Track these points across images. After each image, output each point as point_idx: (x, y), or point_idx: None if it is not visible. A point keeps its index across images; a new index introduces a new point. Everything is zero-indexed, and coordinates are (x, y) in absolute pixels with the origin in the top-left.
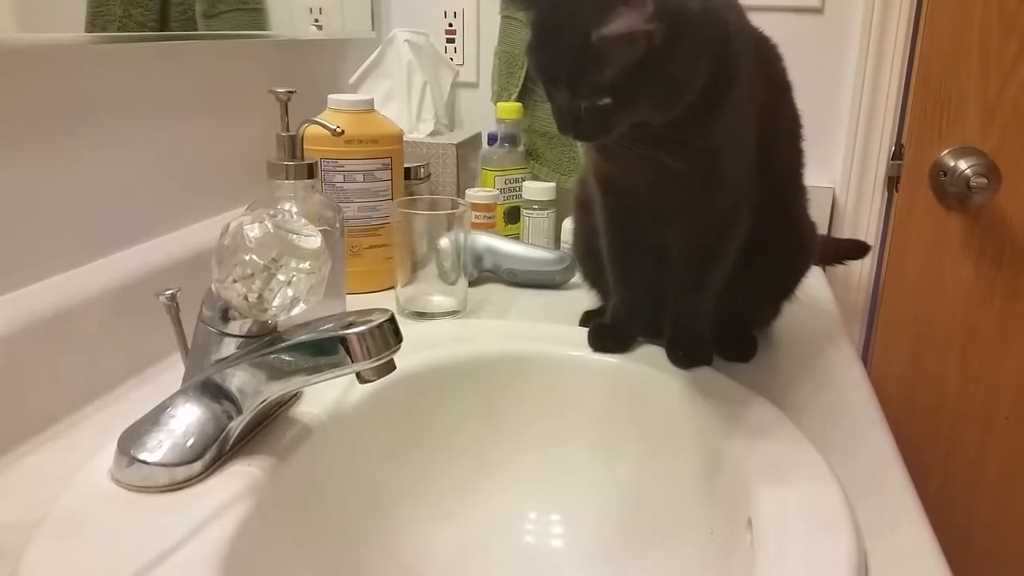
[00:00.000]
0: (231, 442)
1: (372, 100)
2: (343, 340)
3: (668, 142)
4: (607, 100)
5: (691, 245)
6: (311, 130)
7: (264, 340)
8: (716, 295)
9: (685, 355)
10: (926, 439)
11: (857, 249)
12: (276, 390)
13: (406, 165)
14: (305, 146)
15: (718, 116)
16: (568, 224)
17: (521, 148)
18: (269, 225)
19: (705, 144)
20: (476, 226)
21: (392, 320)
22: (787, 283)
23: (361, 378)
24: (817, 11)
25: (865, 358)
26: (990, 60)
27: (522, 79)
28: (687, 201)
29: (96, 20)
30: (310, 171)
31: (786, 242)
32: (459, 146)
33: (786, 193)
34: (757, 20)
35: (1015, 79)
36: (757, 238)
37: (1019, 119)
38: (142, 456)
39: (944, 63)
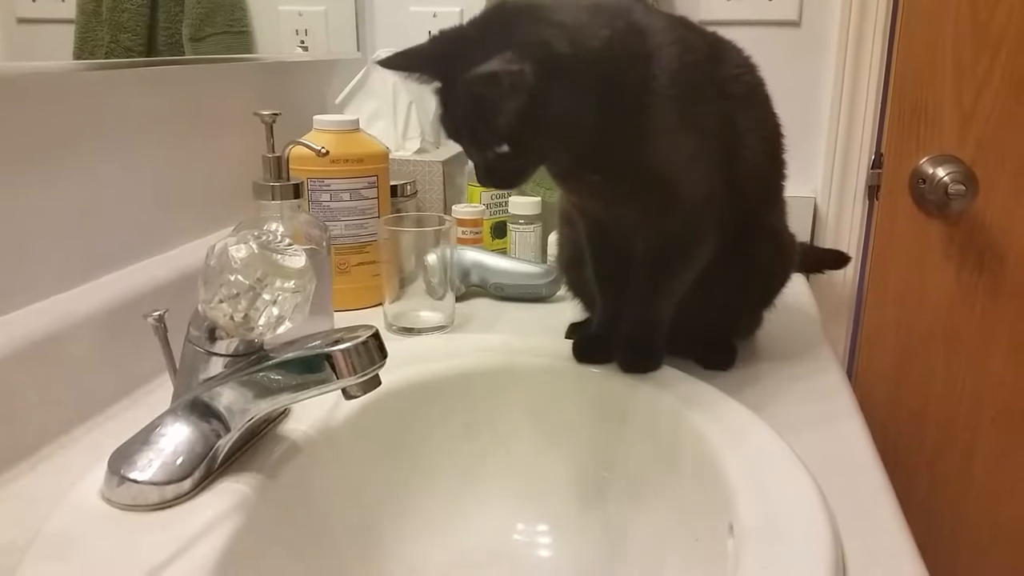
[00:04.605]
0: (220, 460)
1: (357, 120)
2: (328, 357)
3: (609, 167)
4: (504, 148)
5: (649, 260)
6: (297, 150)
7: (251, 359)
8: (672, 307)
9: (633, 361)
10: (913, 443)
11: (837, 259)
12: (264, 407)
13: (393, 183)
14: (291, 166)
15: (648, 136)
16: (554, 237)
17: None
18: (254, 246)
19: (648, 166)
20: (463, 241)
21: (376, 336)
22: (766, 294)
23: (347, 394)
24: (794, 24)
25: (850, 365)
26: (964, 70)
27: None
28: (642, 223)
29: (84, 45)
30: (296, 191)
31: (765, 254)
32: (445, 163)
33: (763, 205)
34: (735, 34)
35: (988, 88)
36: (735, 250)
37: (994, 127)
38: (132, 475)
39: (920, 74)
